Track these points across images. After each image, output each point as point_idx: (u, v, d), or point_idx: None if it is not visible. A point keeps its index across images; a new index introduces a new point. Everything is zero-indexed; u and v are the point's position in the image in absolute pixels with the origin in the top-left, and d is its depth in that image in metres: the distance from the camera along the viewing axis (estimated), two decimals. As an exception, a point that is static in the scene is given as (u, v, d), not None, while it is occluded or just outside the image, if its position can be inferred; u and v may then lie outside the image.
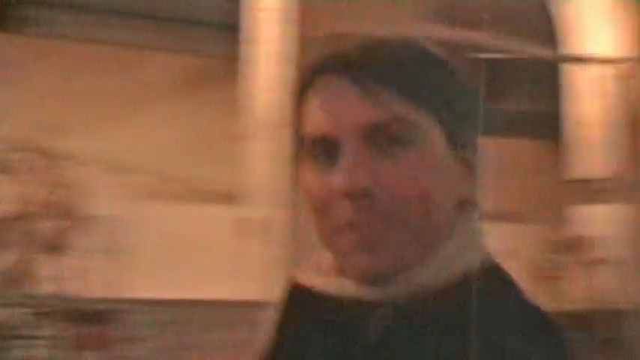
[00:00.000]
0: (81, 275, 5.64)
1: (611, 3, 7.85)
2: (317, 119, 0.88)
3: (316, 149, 0.89)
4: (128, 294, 5.64)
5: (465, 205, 0.94)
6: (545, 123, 10.23)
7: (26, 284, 5.42)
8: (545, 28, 8.56)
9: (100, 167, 6.36)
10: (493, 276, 0.91)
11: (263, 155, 4.95)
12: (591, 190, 8.19)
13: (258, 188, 5.00)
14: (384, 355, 0.84)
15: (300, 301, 0.97)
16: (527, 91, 10.36)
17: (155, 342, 5.35)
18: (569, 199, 8.48)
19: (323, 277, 0.94)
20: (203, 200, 6.72)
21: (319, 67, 0.91)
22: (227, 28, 6.07)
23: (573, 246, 8.11)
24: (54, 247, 5.61)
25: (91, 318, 5.21)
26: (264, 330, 1.04)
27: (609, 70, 7.98)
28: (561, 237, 8.68)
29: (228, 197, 5.95)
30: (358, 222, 0.85)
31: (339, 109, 0.87)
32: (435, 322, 0.84)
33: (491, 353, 0.80)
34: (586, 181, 8.28)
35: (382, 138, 0.86)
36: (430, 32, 6.59)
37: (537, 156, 11.31)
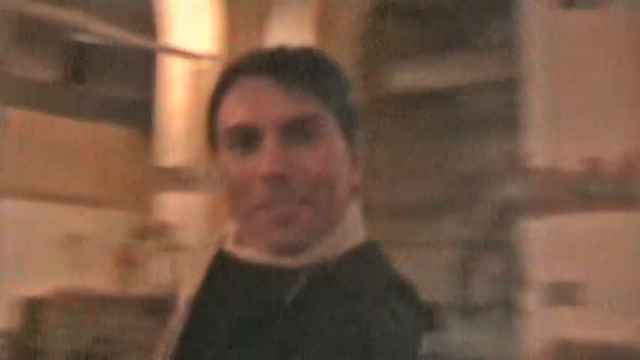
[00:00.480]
0: None
1: (208, 1, 8.18)
2: (239, 111, 1.04)
3: (235, 138, 1.05)
4: None
5: (353, 191, 1.14)
6: (137, 110, 10.44)
7: None
8: (145, 17, 8.71)
9: None
10: (372, 250, 1.13)
11: None
12: (176, 178, 8.51)
13: None
14: (299, 314, 1.00)
15: (224, 265, 1.11)
16: (122, 78, 10.51)
17: None
18: (156, 186, 8.76)
19: (242, 247, 1.10)
20: None
21: (239, 67, 1.08)
22: None
23: (158, 232, 8.39)
24: None
25: None
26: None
27: (197, 65, 8.34)
28: (147, 223, 8.95)
29: None
30: (275, 201, 1.02)
31: (261, 103, 1.03)
32: (336, 287, 1.02)
33: (374, 312, 0.99)
34: (172, 170, 8.58)
35: (298, 131, 1.04)
36: (23, 7, 6.48)
37: (127, 142, 11.49)
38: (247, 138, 1.05)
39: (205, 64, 8.50)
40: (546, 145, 6.80)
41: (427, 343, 1.11)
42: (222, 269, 1.13)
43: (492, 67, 9.92)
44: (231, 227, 1.14)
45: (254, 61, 1.08)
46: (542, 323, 6.64)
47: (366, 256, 1.11)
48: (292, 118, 1.04)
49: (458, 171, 11.28)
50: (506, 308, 10.53)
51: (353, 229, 1.13)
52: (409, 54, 10.56)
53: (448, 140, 11.39)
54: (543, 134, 6.84)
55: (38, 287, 8.98)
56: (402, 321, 1.03)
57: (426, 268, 11.43)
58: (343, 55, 8.76)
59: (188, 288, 1.12)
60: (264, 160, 1.02)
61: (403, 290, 1.09)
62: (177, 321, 1.10)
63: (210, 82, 7.67)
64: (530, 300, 6.73)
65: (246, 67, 1.08)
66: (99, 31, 8.29)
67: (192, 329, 1.09)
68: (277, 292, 1.03)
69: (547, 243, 6.67)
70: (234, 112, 1.05)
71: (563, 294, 6.55)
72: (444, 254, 11.28)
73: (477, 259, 11.03)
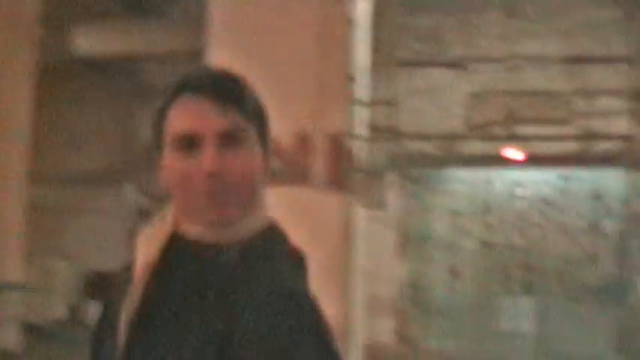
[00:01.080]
0: None
1: None
2: (183, 122, 1.36)
3: (180, 143, 1.37)
4: None
5: (263, 183, 1.47)
6: None
7: None
8: None
9: None
10: (275, 228, 1.49)
11: None
12: None
13: None
14: (231, 274, 1.37)
15: (173, 242, 1.44)
16: None
17: None
18: None
19: (184, 226, 1.44)
20: None
21: (181, 86, 1.39)
22: None
23: None
24: None
25: None
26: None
27: None
28: None
29: None
30: (212, 192, 1.36)
31: (203, 117, 1.36)
32: (254, 255, 1.40)
33: (279, 274, 1.39)
34: None
35: (229, 139, 1.37)
36: None
37: None
38: (190, 143, 1.37)
39: None
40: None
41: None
42: (170, 244, 1.46)
43: (178, 38, 9.96)
44: (166, 210, 1.48)
45: (195, 81, 1.41)
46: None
47: (276, 231, 1.50)
48: (225, 130, 1.38)
49: (139, 139, 11.24)
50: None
51: (261, 213, 1.48)
52: (95, 17, 10.31)
53: (130, 108, 11.29)
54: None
55: None
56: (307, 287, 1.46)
57: (104, 236, 11.30)
58: (24, 14, 8.34)
59: (146, 258, 1.42)
60: (207, 161, 1.35)
61: (298, 258, 1.51)
62: (139, 286, 1.40)
63: None
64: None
65: (189, 85, 1.40)
66: None
67: (151, 295, 1.40)
68: (212, 259, 1.41)
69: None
70: (181, 122, 1.38)
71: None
72: (123, 222, 11.22)
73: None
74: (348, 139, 7.32)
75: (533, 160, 9.20)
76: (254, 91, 1.48)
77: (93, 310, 9.96)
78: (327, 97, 7.26)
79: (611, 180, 11.46)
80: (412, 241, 10.44)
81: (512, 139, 7.98)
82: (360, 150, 7.59)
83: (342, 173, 7.22)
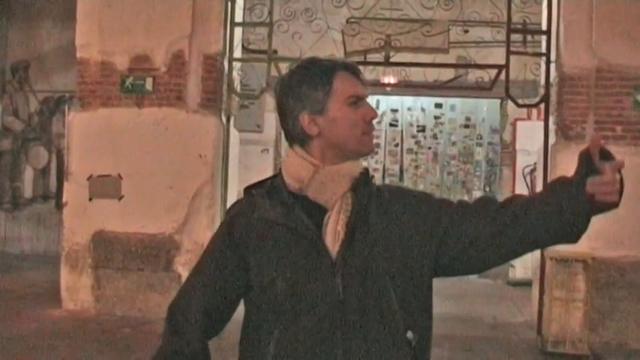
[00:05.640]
0: None
1: None
2: (352, 88, 1.89)
3: (350, 100, 1.88)
4: None
5: None
6: None
7: None
8: None
9: None
10: None
11: None
12: None
13: None
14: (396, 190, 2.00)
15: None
16: None
17: None
18: None
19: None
20: None
21: (336, 66, 1.92)
22: None
23: None
24: None
25: None
26: None
27: None
28: None
29: None
30: (372, 131, 1.92)
31: (359, 85, 1.92)
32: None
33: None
34: None
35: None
36: None
37: None
38: (356, 101, 1.89)
39: None
40: (98, 38, 6.80)
41: None
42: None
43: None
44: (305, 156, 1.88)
45: (345, 64, 1.96)
46: (83, 216, 6.71)
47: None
48: (366, 95, 1.93)
49: (9, 58, 10.86)
50: (52, 201, 10.51)
51: None
52: None
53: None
54: (96, 27, 6.82)
55: None
56: None
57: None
58: None
59: (341, 189, 1.87)
60: (371, 112, 1.91)
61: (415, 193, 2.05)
62: (344, 215, 1.85)
63: None
64: (72, 193, 6.77)
65: (342, 66, 1.94)
66: None
67: (351, 222, 1.84)
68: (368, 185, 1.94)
69: (89, 136, 6.72)
70: (350, 89, 1.90)
71: (102, 187, 6.67)
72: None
73: (26, 150, 10.80)
74: (224, 60, 7.27)
75: (409, 87, 9.33)
76: None
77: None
78: (203, 18, 7.15)
79: (483, 108, 11.80)
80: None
81: (389, 65, 8.05)
82: (236, 72, 7.55)
83: (218, 95, 7.18)
